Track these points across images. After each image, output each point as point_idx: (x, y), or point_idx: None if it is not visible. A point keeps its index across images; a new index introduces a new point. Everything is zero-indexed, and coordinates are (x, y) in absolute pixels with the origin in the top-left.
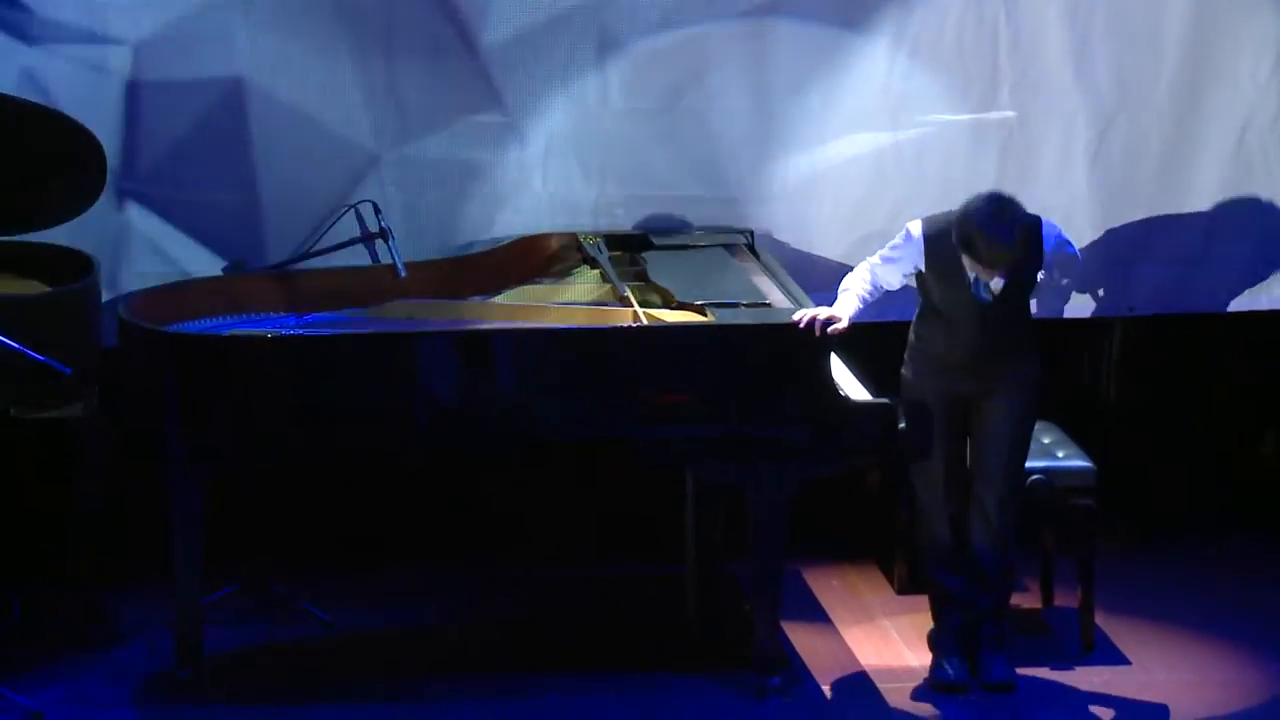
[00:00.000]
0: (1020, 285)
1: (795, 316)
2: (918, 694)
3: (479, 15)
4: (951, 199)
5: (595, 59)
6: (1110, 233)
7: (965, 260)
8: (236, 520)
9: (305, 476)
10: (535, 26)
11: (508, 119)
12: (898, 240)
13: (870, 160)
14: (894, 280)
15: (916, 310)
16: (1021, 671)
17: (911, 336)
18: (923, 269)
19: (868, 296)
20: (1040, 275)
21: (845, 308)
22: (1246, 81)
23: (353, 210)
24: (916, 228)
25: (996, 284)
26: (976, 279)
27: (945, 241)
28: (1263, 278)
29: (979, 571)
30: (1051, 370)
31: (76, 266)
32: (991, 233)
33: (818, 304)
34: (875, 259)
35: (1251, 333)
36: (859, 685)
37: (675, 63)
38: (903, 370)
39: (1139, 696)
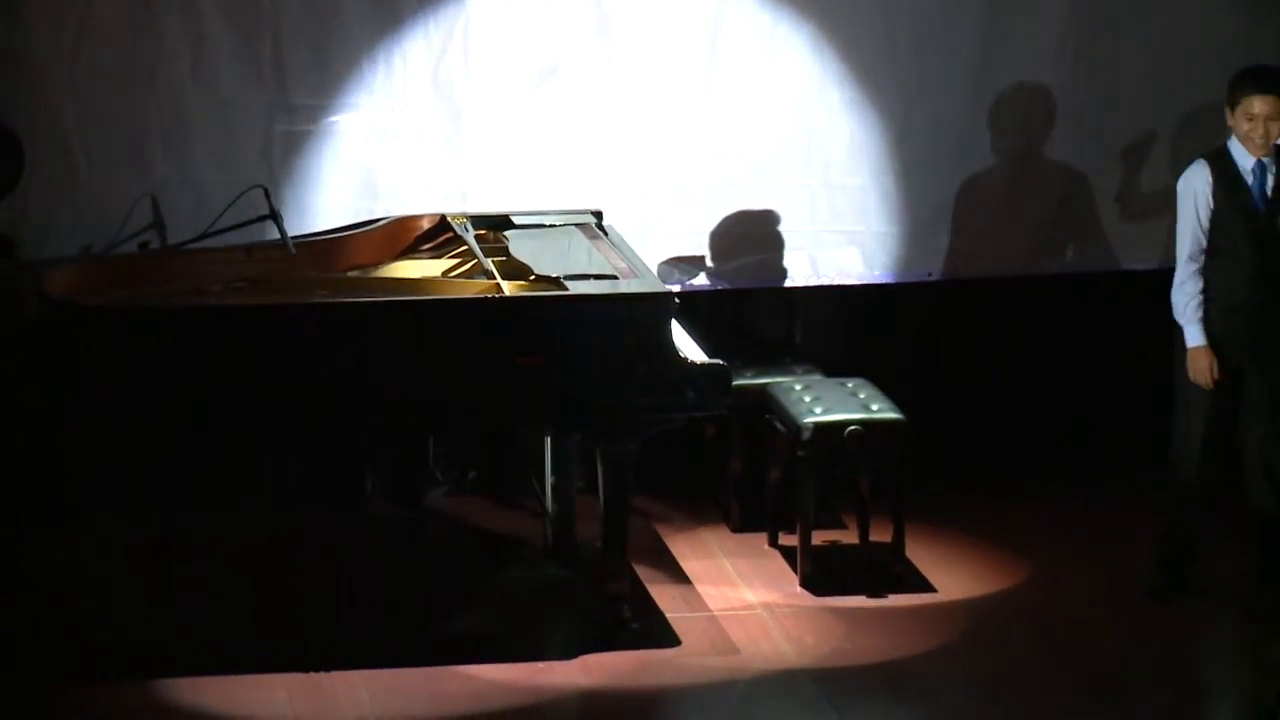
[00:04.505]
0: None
1: (1198, 380)
2: (751, 621)
3: (358, 9)
4: (773, 181)
5: (461, 54)
6: (914, 208)
7: (1241, 117)
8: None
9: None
10: (405, 21)
11: (384, 109)
12: (1183, 203)
13: (696, 145)
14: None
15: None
16: (841, 600)
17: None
18: (1210, 203)
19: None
20: None
21: (1200, 333)
22: (1035, 61)
23: (246, 195)
24: (1196, 168)
25: (1265, 132)
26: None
27: (1221, 162)
28: (1055, 244)
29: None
30: (864, 331)
31: None
32: (1255, 67)
33: (661, 276)
34: (1188, 246)
35: (1043, 295)
36: (699, 613)
37: (532, 58)
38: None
39: (944, 617)
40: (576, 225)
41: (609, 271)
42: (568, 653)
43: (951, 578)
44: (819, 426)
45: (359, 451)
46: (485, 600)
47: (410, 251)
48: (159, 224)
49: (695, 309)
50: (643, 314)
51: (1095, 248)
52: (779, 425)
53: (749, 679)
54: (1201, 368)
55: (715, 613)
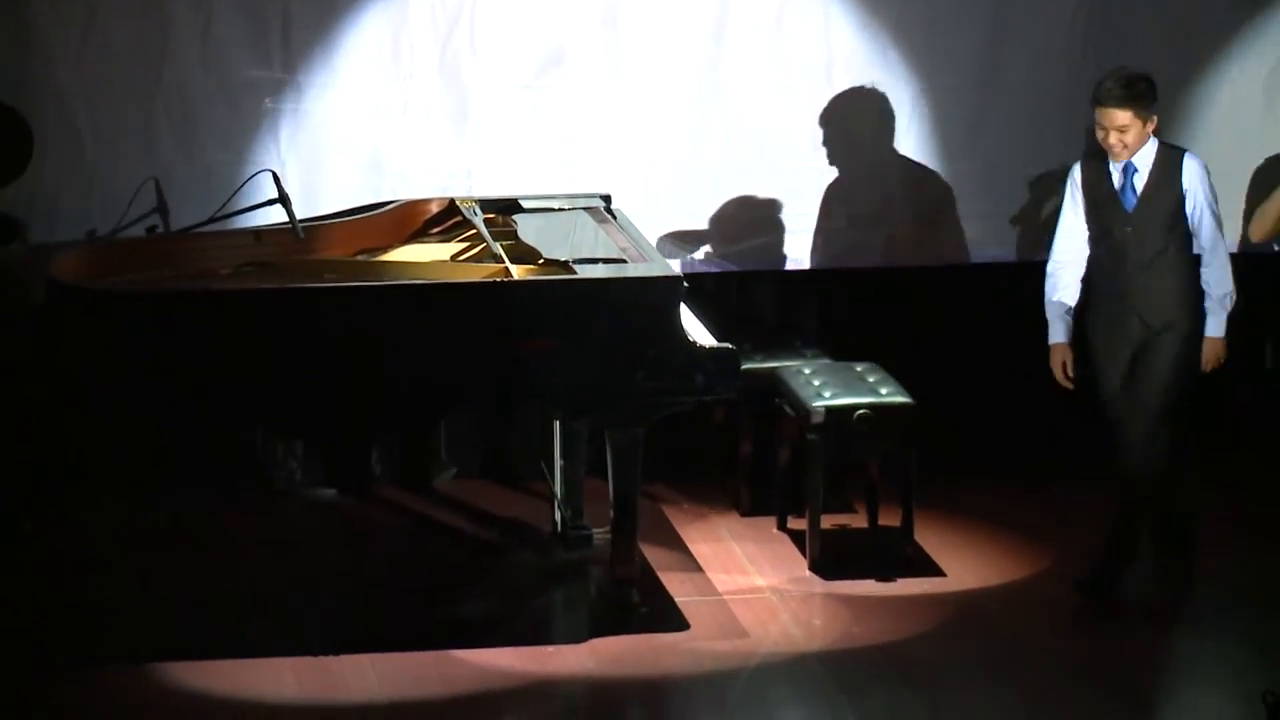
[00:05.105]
0: (1159, 214)
1: (1055, 375)
2: (760, 605)
3: None
4: (781, 164)
5: (468, 35)
6: (918, 192)
7: (1096, 125)
8: None
9: None
10: (412, 1)
11: (392, 89)
12: (1065, 196)
13: (703, 129)
14: (1082, 236)
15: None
16: (850, 584)
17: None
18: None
19: (1073, 294)
20: (1190, 211)
21: (1061, 330)
22: (1044, 49)
23: (254, 178)
24: (1072, 169)
25: (1118, 141)
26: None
27: (1094, 162)
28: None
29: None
30: (873, 315)
31: (3, 230)
32: (1112, 74)
33: (662, 252)
34: (1059, 241)
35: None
36: (708, 597)
37: (539, 42)
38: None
39: (952, 602)
40: (585, 209)
41: (617, 255)
42: (576, 637)
43: (960, 563)
44: (828, 410)
45: (367, 435)
46: (493, 584)
47: (419, 235)
48: (165, 208)
49: (703, 292)
50: (651, 298)
51: None
52: (788, 409)
53: (758, 663)
54: (1055, 364)
55: (724, 596)
